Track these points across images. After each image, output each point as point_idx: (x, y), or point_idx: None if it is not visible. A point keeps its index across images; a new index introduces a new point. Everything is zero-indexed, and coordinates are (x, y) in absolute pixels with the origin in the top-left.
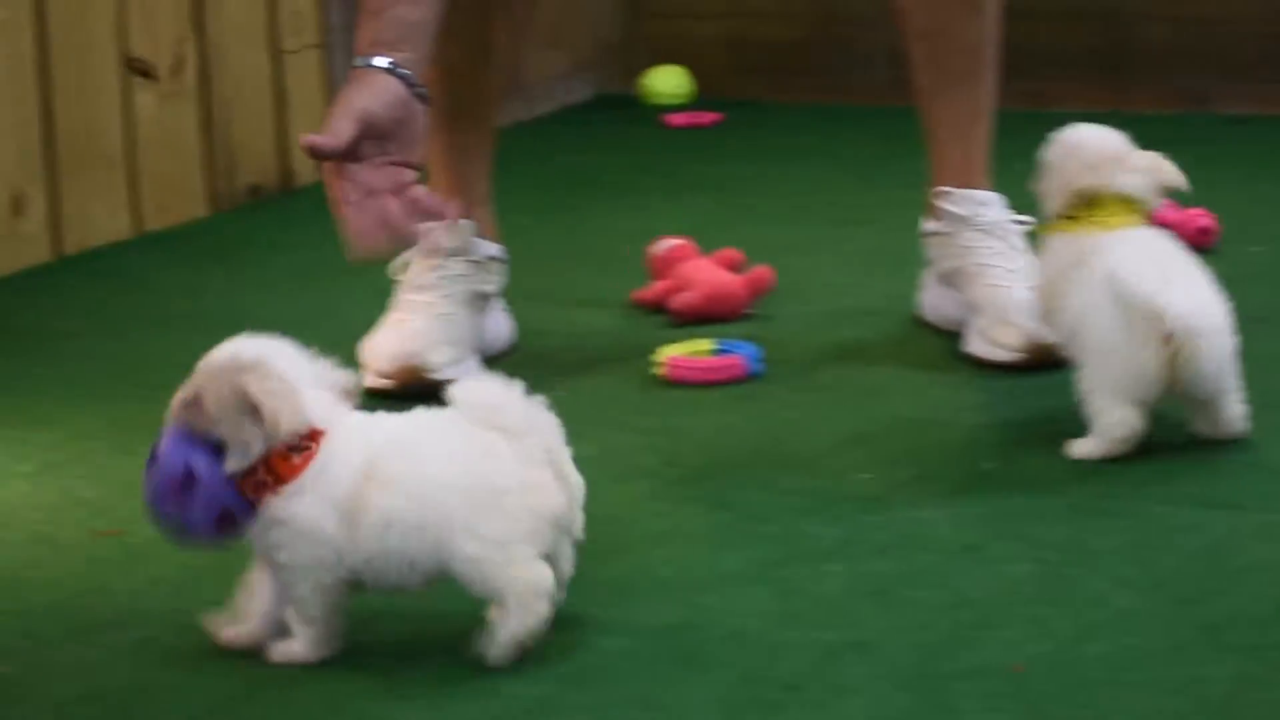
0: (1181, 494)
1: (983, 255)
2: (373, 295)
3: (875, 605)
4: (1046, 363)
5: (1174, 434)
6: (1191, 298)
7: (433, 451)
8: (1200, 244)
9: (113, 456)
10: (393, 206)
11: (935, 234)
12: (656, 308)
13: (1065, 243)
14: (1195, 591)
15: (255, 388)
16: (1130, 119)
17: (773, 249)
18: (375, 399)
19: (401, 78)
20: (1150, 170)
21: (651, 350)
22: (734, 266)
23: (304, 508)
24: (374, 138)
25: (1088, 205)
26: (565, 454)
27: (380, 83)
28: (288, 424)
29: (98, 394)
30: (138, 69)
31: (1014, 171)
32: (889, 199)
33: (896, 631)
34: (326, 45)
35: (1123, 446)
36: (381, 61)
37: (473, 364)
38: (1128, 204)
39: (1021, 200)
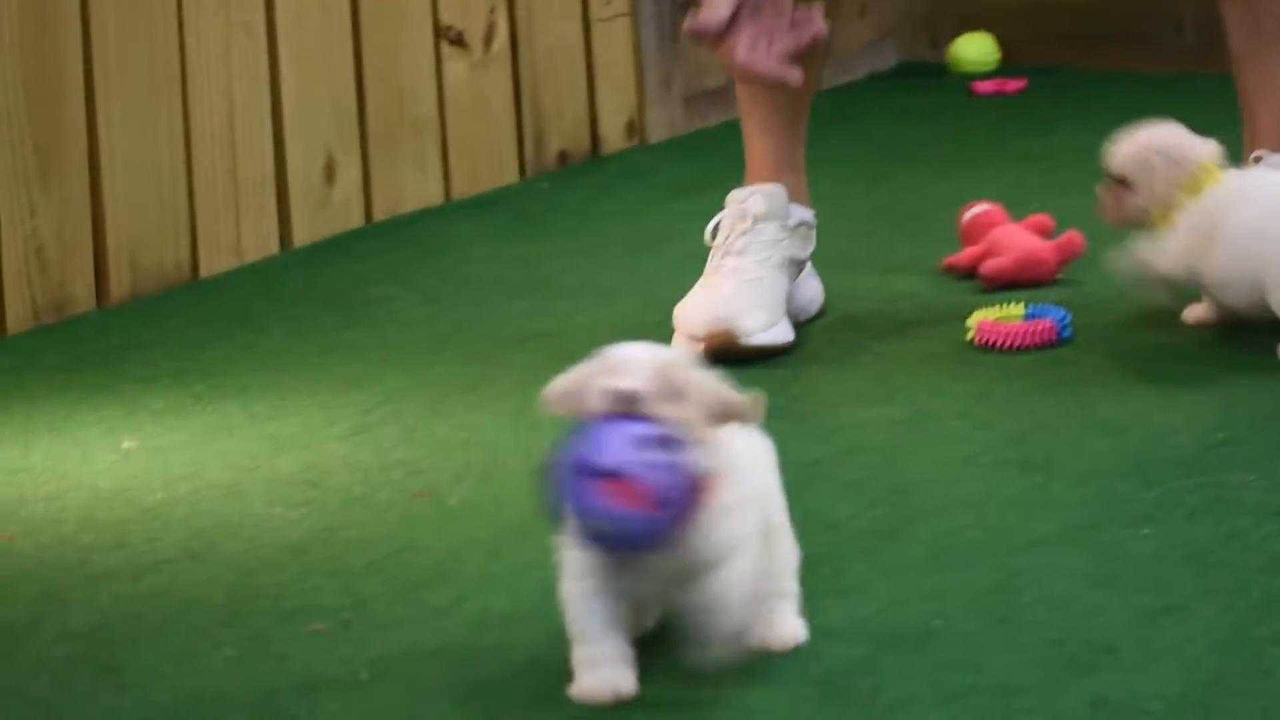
0: None
1: None
2: (683, 263)
3: (1189, 569)
4: None
5: None
6: None
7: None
8: None
9: (426, 419)
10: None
11: None
12: (967, 273)
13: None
14: None
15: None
16: None
17: (1082, 215)
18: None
19: None
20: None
21: (962, 315)
22: (1044, 232)
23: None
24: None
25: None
26: None
27: None
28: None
29: (410, 357)
30: (450, 38)
31: None
32: None
33: (1210, 595)
34: (636, 13)
35: None
36: None
37: (785, 329)
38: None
39: None
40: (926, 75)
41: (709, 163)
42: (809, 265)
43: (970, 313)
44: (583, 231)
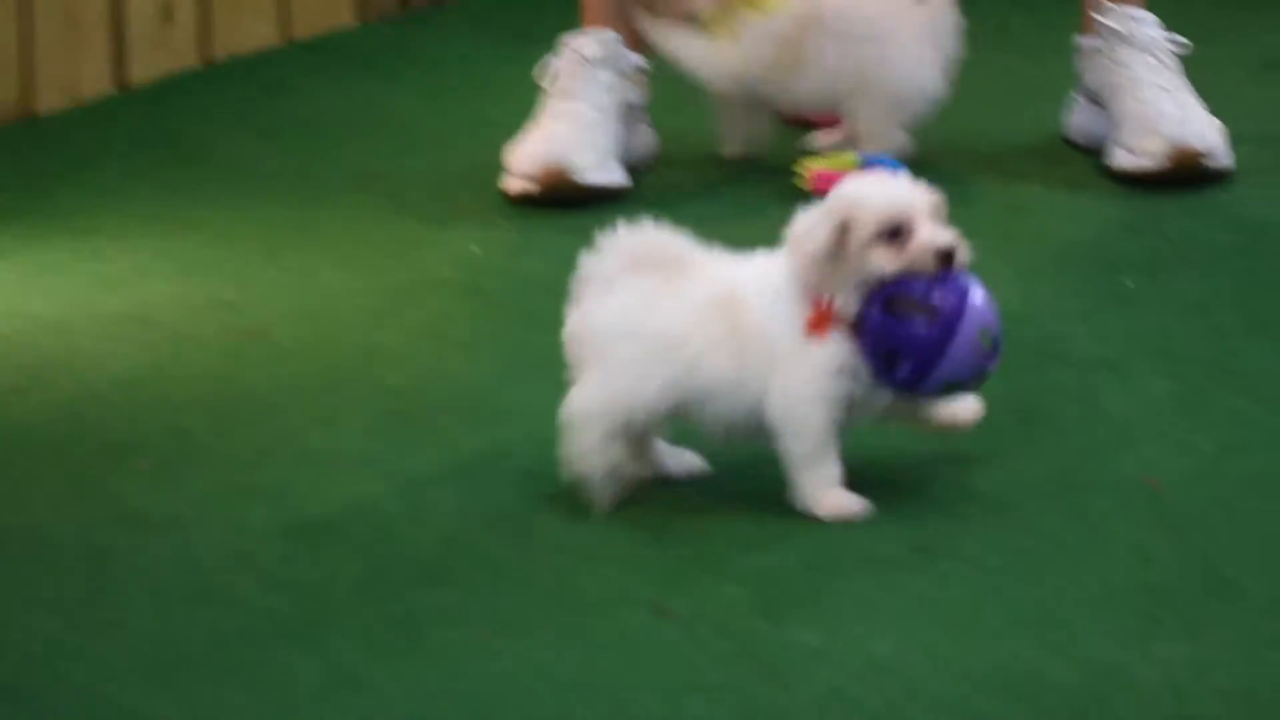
0: None
1: (1136, 70)
2: (524, 109)
3: (1012, 417)
4: (1191, 172)
5: None
6: None
7: None
8: None
9: (258, 260)
10: None
11: (1090, 49)
12: (805, 124)
13: None
14: None
15: None
16: None
17: None
18: (519, 204)
19: None
20: None
21: (796, 162)
22: None
23: None
24: None
25: None
26: None
27: None
28: None
29: (244, 199)
30: None
31: None
32: (1041, 21)
33: (1032, 442)
34: None
35: None
36: None
37: (616, 170)
38: None
39: (1175, 24)
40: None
41: (552, 9)
42: (644, 113)
43: (803, 159)
44: (422, 76)
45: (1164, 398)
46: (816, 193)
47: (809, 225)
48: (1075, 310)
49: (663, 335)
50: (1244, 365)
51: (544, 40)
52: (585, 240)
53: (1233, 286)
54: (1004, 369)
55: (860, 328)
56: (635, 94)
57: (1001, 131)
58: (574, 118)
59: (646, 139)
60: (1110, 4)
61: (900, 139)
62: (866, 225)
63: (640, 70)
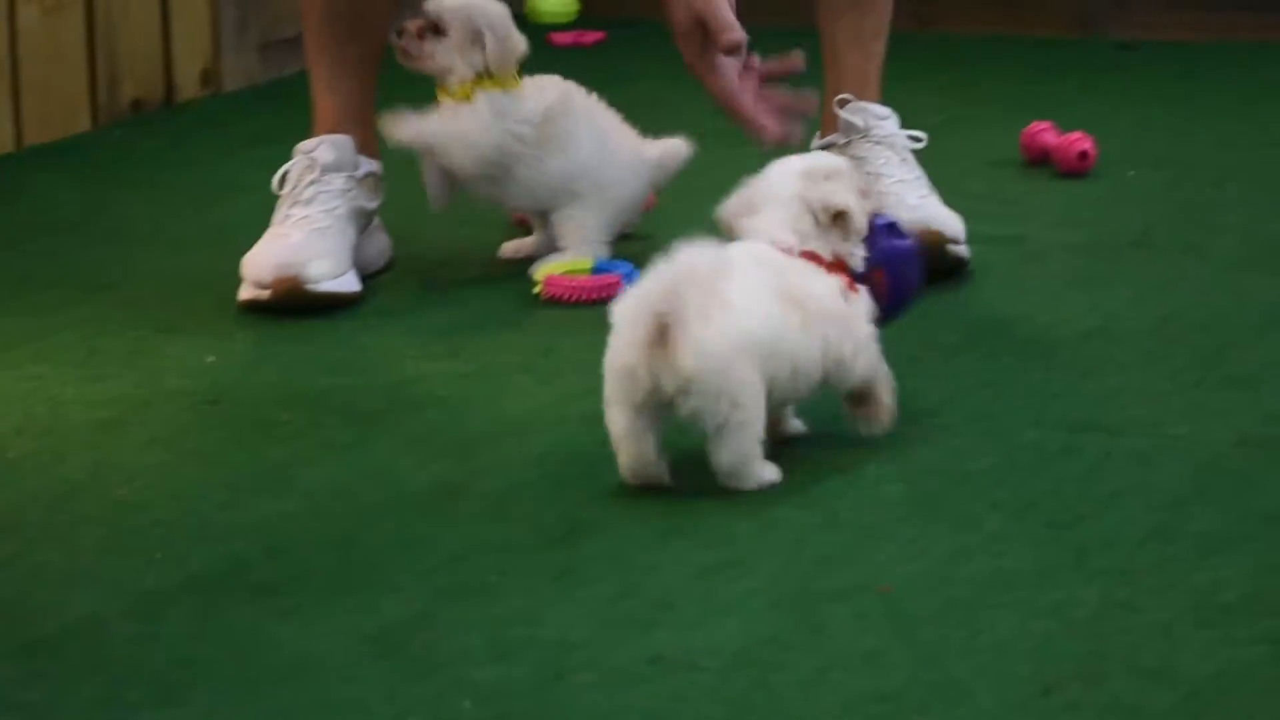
0: (1054, 418)
1: (877, 165)
2: (256, 213)
3: (750, 524)
4: (936, 256)
5: (1050, 357)
6: None
7: None
8: (1079, 168)
9: None
10: (777, 98)
11: (829, 146)
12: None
13: None
14: (1065, 515)
15: None
16: (1019, 42)
17: None
18: (253, 312)
19: None
20: None
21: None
22: None
23: None
24: None
25: None
26: None
27: None
28: None
29: None
30: None
31: (901, 91)
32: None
33: (773, 555)
34: None
35: None
36: None
37: (352, 278)
38: None
39: (910, 119)
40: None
41: (285, 112)
42: (377, 218)
43: (539, 266)
44: (156, 180)
45: (895, 502)
46: (552, 300)
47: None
48: (803, 413)
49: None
50: (972, 468)
51: (277, 142)
52: (320, 350)
53: (962, 389)
54: None
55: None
56: (369, 199)
57: None
58: (307, 224)
59: (381, 244)
60: (849, 99)
61: (603, 249)
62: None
63: (374, 175)
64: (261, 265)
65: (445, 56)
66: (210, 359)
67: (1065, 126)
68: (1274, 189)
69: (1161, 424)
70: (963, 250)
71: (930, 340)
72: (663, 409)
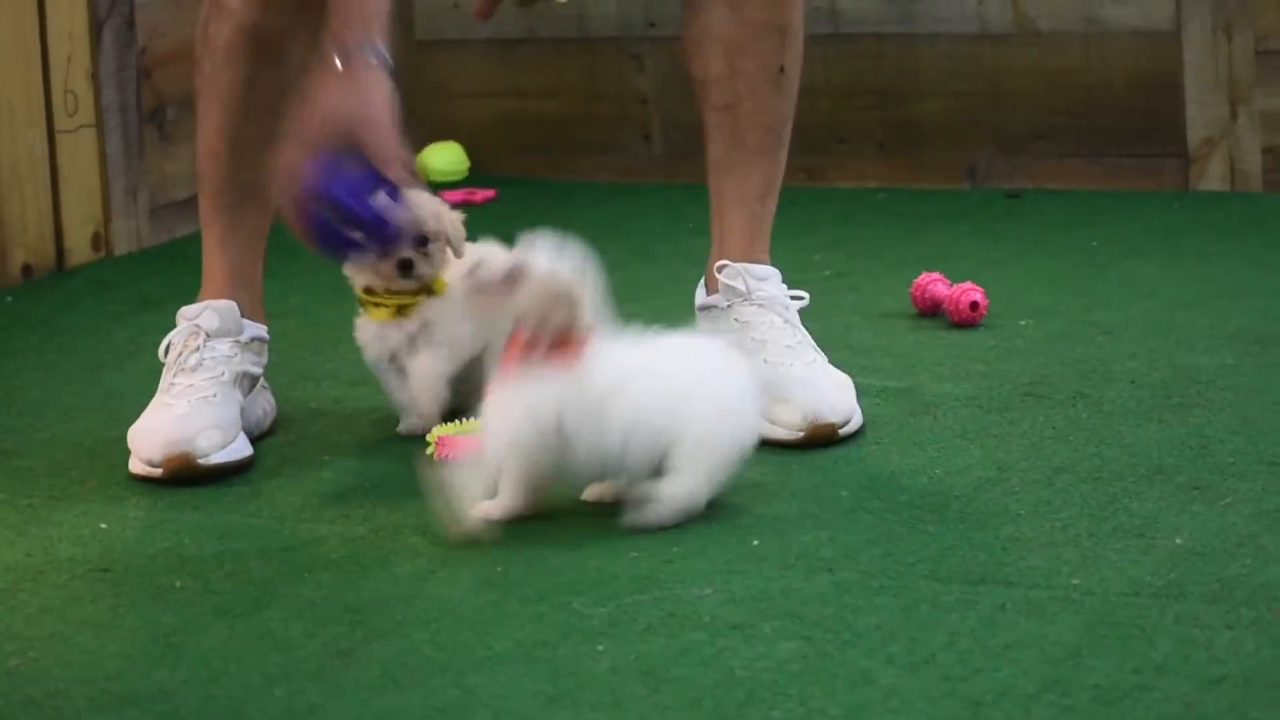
0: (949, 571)
1: (759, 330)
2: (148, 378)
3: (643, 685)
4: (825, 441)
5: (943, 509)
6: None
7: None
8: (970, 319)
9: None
10: None
11: (710, 308)
12: None
13: None
14: (961, 669)
15: None
16: (908, 194)
17: None
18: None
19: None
20: None
21: (426, 429)
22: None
23: None
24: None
25: None
26: None
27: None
28: None
29: None
30: None
31: (789, 246)
32: (669, 274)
33: (664, 711)
34: (101, 124)
35: None
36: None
37: (242, 444)
38: None
39: (801, 275)
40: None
41: (176, 275)
42: (262, 380)
43: (433, 427)
44: (45, 347)
45: (791, 659)
46: (444, 459)
47: None
48: (703, 572)
49: None
50: (867, 623)
51: (169, 305)
52: (212, 516)
53: (856, 544)
54: (634, 632)
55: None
56: (254, 363)
57: None
58: (193, 393)
59: (266, 405)
60: (731, 262)
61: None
62: None
63: (259, 339)
64: (150, 443)
65: (439, 259)
66: (103, 526)
67: (955, 277)
68: (1161, 337)
69: (1056, 574)
70: (854, 425)
71: (824, 495)
72: None
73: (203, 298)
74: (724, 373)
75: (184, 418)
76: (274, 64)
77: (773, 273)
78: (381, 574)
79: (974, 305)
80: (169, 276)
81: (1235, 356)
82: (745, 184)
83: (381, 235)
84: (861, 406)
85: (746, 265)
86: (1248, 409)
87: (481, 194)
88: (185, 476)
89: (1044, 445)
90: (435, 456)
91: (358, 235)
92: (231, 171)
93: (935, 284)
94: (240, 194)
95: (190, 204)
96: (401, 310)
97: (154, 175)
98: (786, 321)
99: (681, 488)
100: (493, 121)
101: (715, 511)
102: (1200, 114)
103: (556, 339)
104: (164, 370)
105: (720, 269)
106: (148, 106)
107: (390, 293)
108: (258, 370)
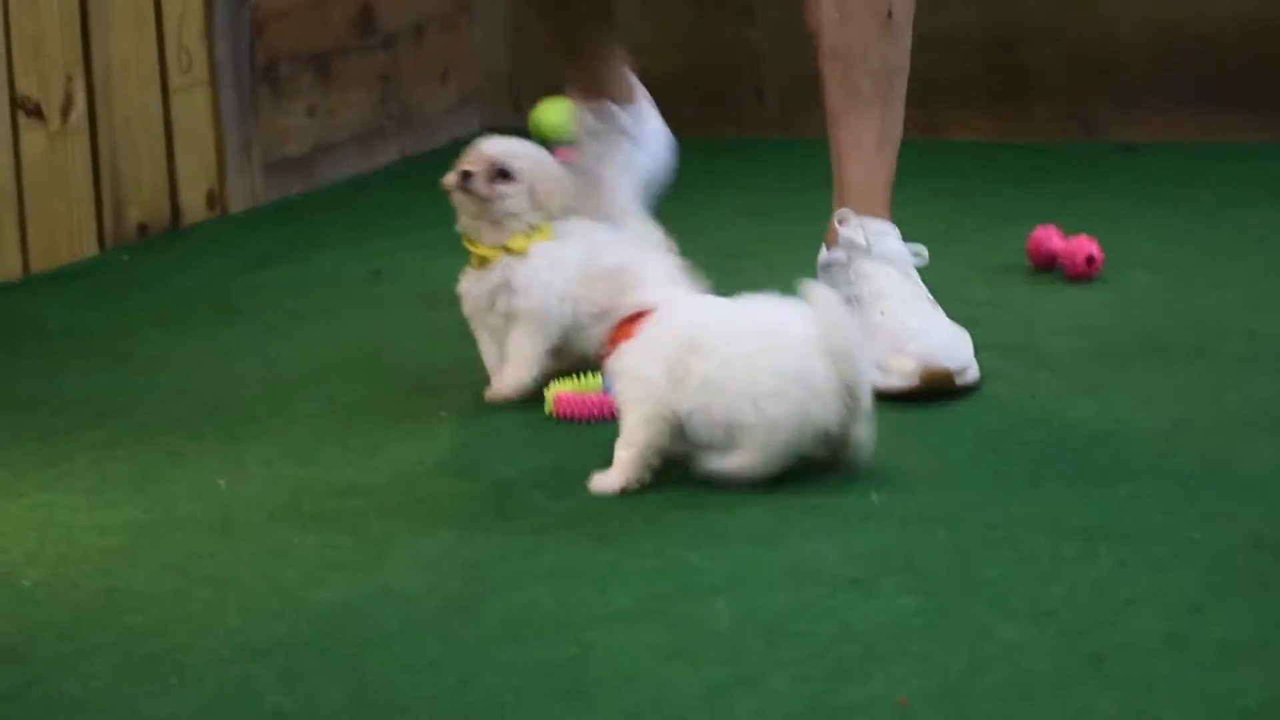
0: (1068, 525)
1: (878, 283)
2: (263, 335)
3: (762, 640)
4: (941, 390)
5: (1062, 463)
6: None
7: None
8: (1086, 273)
9: (2, 498)
10: None
11: (832, 263)
12: None
13: None
14: (1081, 623)
15: None
16: (1019, 147)
17: None
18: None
19: None
20: None
21: (543, 384)
22: None
23: None
24: None
25: None
26: None
27: None
28: None
29: None
30: (27, 108)
31: (906, 199)
32: (781, 232)
33: (783, 666)
34: (215, 82)
35: None
36: None
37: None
38: None
39: (914, 229)
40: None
41: (290, 232)
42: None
43: (549, 383)
44: (162, 304)
45: (910, 614)
46: (561, 417)
47: None
48: (822, 527)
49: None
50: (986, 577)
51: (283, 264)
52: (329, 472)
53: (975, 499)
54: (753, 587)
55: None
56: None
57: None
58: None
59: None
60: (852, 215)
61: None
62: None
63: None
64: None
65: (515, 202)
66: (220, 483)
67: (1070, 231)
68: (1277, 287)
69: (1176, 529)
70: (971, 376)
71: (941, 450)
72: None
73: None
74: (792, 348)
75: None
76: None
77: (891, 228)
78: (500, 530)
79: (1090, 259)
80: (283, 234)
81: None
82: (861, 133)
83: None
84: (978, 361)
85: (866, 219)
86: None
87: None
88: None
89: (1162, 399)
90: (553, 414)
91: None
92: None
93: (1051, 238)
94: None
95: (302, 160)
96: (481, 261)
97: (268, 132)
98: (904, 276)
99: (738, 463)
100: None
101: (833, 467)
102: None
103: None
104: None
105: (841, 220)
106: (261, 63)
107: (469, 241)
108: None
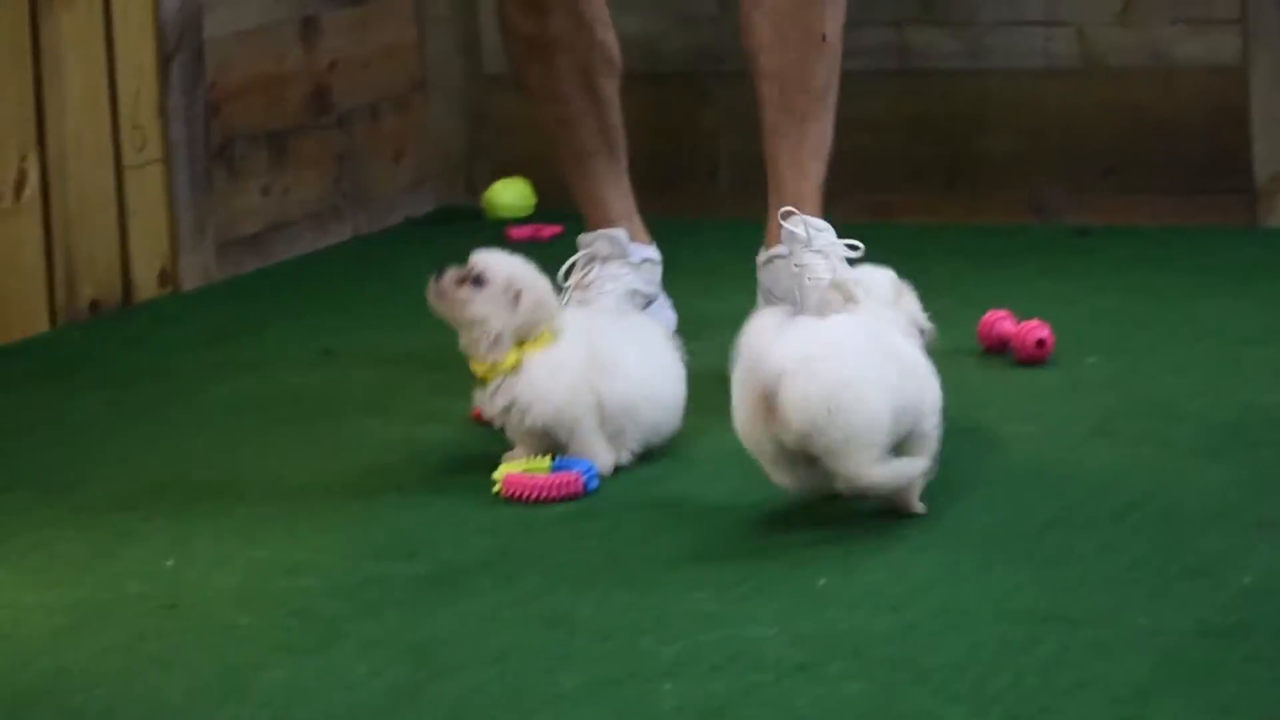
0: (1016, 609)
1: (818, 272)
2: (215, 413)
3: None
4: None
5: (1011, 548)
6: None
7: None
8: (1037, 356)
9: None
10: None
11: (773, 259)
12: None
13: None
14: (1029, 709)
15: None
16: (973, 229)
17: None
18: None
19: None
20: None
21: (490, 467)
22: None
23: None
24: None
25: None
26: None
27: None
28: None
29: None
30: None
31: None
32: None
33: None
34: (169, 160)
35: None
36: None
37: None
38: None
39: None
40: (463, 220)
41: (243, 311)
42: (661, 297)
43: (498, 464)
44: (113, 382)
45: (856, 700)
46: (510, 498)
47: None
48: (770, 610)
49: None
50: (933, 663)
51: (234, 341)
52: (279, 552)
53: (923, 582)
54: (700, 671)
55: None
56: (646, 281)
57: (690, 429)
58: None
59: (668, 317)
60: (796, 213)
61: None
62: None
63: (650, 260)
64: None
65: (481, 306)
66: (169, 563)
67: (1022, 314)
68: (1229, 374)
69: (1123, 614)
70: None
71: (890, 532)
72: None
73: (592, 228)
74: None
75: None
76: (565, 54)
77: (828, 225)
78: (448, 612)
79: (1040, 343)
80: (236, 312)
81: None
82: (797, 147)
83: None
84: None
85: (805, 216)
86: None
87: (549, 230)
88: None
89: (1111, 484)
90: (502, 495)
91: None
92: (570, 141)
93: (1002, 321)
94: (588, 151)
95: (256, 239)
96: (480, 380)
97: (222, 211)
98: (843, 266)
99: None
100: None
101: (781, 549)
102: (1268, 149)
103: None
104: (565, 291)
105: (784, 215)
106: (216, 142)
107: (468, 358)
108: (649, 289)
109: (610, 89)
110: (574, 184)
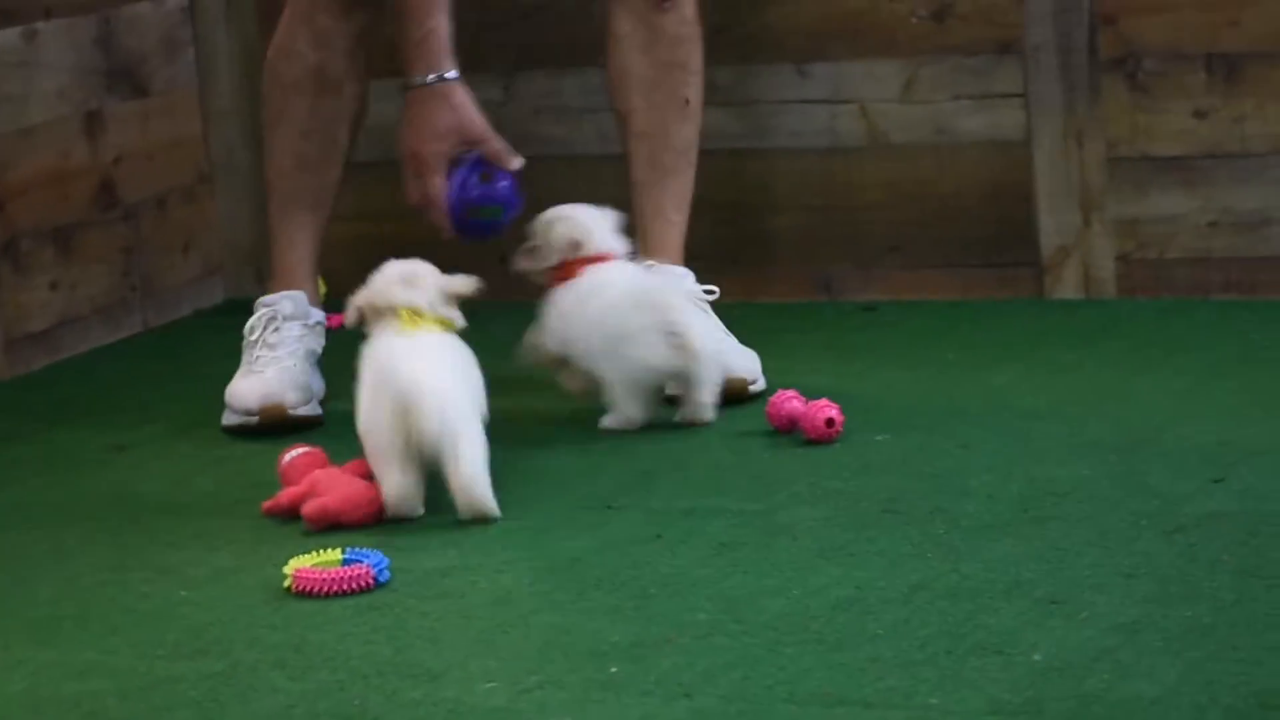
0: (806, 692)
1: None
2: (8, 515)
3: None
4: (737, 397)
5: (801, 631)
6: None
7: None
8: (827, 435)
9: None
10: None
11: None
12: (288, 516)
13: None
14: None
15: None
16: (759, 307)
17: None
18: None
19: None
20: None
21: (281, 561)
22: (366, 474)
23: None
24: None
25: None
26: None
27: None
28: None
29: None
30: None
31: None
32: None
33: None
34: None
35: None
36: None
37: (315, 406)
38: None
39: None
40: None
41: (32, 408)
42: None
43: (288, 559)
44: None
45: None
46: (300, 593)
47: None
48: (561, 702)
49: None
50: None
51: (22, 440)
52: (68, 654)
53: (713, 668)
54: None
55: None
56: (317, 343)
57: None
58: (276, 363)
59: (319, 382)
60: (653, 265)
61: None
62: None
63: (320, 324)
64: (248, 398)
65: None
66: None
67: (811, 393)
68: (1018, 448)
69: (915, 694)
70: (760, 386)
71: (682, 618)
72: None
73: (276, 289)
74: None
75: (273, 379)
76: (334, 96)
77: (688, 273)
78: (239, 711)
79: (830, 422)
80: (27, 411)
81: (1091, 467)
82: (662, 199)
83: (515, 205)
84: (716, 533)
85: (670, 265)
86: (1104, 520)
87: (338, 319)
88: (278, 423)
89: (901, 563)
90: (292, 589)
91: (498, 216)
92: (296, 185)
93: (790, 401)
94: (304, 203)
95: (46, 335)
96: None
97: (9, 308)
98: (705, 313)
99: None
100: (347, 244)
101: (574, 639)
102: (1053, 222)
103: None
104: (248, 347)
105: (649, 268)
106: (1, 239)
107: None
108: (318, 350)
109: (349, 142)
110: (279, 233)
